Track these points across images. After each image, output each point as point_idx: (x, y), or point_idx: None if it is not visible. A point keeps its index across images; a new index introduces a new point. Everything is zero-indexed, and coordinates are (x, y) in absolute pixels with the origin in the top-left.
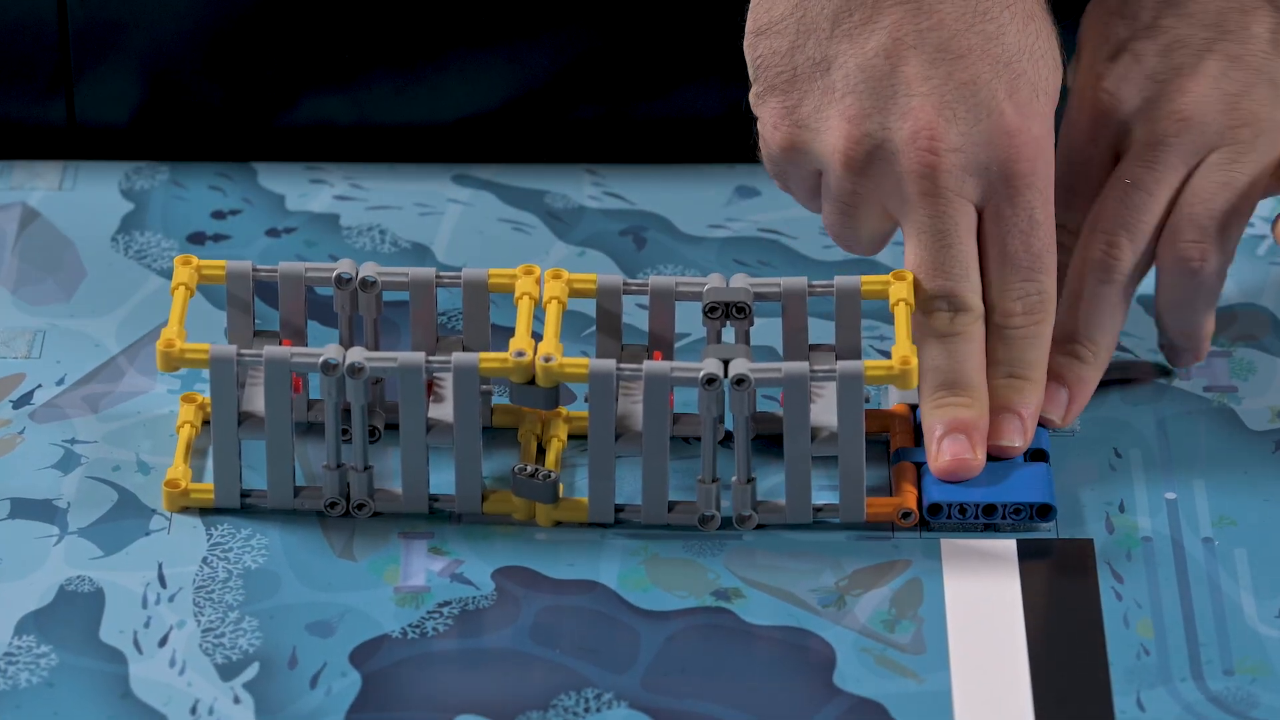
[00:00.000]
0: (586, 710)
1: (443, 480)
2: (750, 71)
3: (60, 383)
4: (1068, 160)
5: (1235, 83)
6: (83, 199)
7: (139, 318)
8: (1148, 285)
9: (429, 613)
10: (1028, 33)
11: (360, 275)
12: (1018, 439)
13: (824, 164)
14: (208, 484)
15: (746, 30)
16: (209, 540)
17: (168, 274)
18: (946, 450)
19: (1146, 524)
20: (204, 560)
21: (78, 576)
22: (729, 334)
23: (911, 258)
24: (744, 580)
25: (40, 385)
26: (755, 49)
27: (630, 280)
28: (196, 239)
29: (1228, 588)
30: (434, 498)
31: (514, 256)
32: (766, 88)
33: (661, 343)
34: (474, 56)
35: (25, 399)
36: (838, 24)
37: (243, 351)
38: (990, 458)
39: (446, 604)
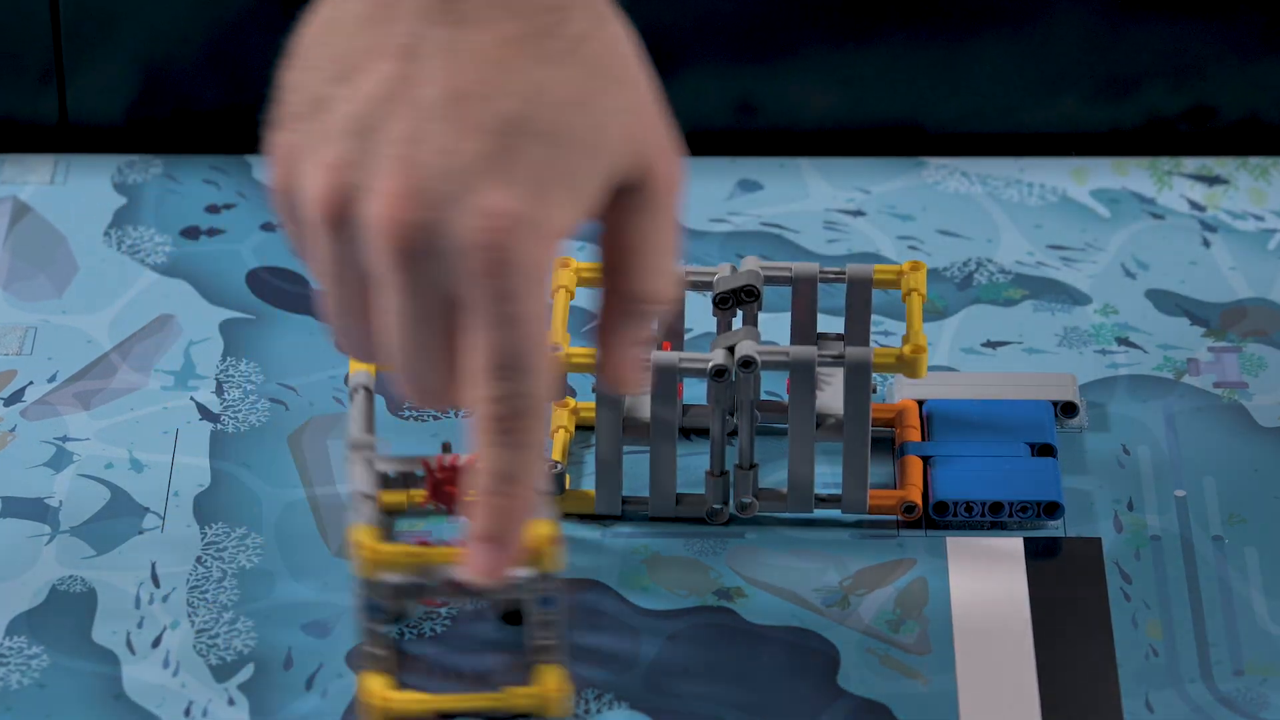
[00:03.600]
0: (587, 711)
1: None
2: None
3: (52, 380)
4: None
5: None
6: (75, 193)
7: (132, 314)
8: (1156, 280)
9: (426, 613)
10: (544, 100)
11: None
12: (489, 571)
13: (301, 205)
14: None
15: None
16: (203, 539)
17: (161, 269)
18: (486, 560)
19: (1155, 522)
20: (198, 560)
21: (69, 576)
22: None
23: (388, 340)
24: (746, 579)
25: (32, 382)
26: (287, 70)
27: None
28: (191, 233)
29: (1238, 587)
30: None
31: None
32: (283, 112)
33: (670, 332)
34: None
35: (16, 396)
36: (339, 63)
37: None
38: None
39: (445, 604)
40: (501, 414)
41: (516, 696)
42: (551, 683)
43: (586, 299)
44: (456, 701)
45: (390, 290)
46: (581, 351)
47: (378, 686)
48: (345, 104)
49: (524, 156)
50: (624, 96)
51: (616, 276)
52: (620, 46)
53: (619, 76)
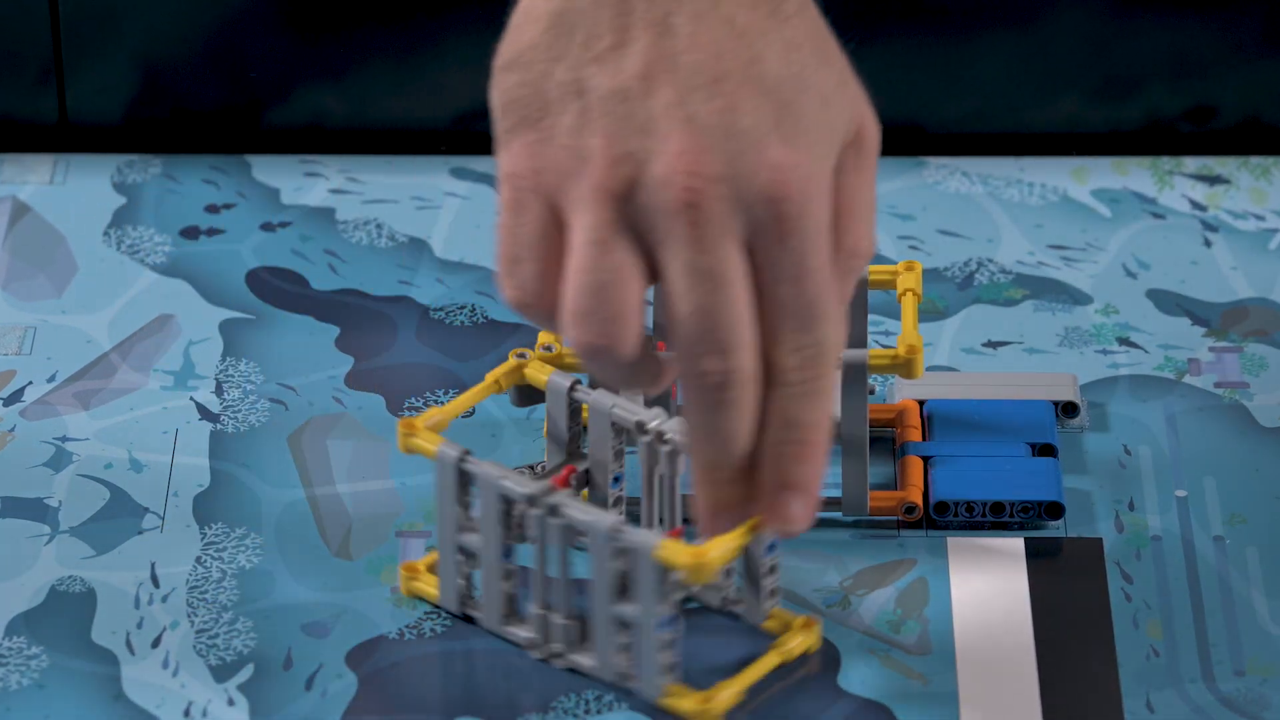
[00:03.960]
0: (586, 712)
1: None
2: (495, 115)
3: (51, 380)
4: None
5: None
6: (74, 193)
7: (131, 313)
8: (1157, 280)
9: (427, 613)
10: (791, 62)
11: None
12: (802, 519)
13: (576, 194)
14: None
15: (495, 69)
16: (202, 540)
17: (160, 269)
18: (712, 528)
19: (1156, 522)
20: (197, 560)
21: (69, 576)
22: None
23: (674, 304)
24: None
25: (31, 382)
26: (502, 85)
27: None
28: (190, 233)
29: (1239, 587)
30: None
31: None
32: (515, 124)
33: (666, 332)
34: (472, 48)
35: (16, 396)
36: (588, 48)
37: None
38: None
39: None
40: (804, 364)
41: (790, 646)
42: (797, 621)
43: None
44: (751, 674)
45: (681, 249)
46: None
47: (697, 695)
48: (606, 81)
49: (794, 113)
50: (839, 61)
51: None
52: (821, 20)
53: (830, 45)
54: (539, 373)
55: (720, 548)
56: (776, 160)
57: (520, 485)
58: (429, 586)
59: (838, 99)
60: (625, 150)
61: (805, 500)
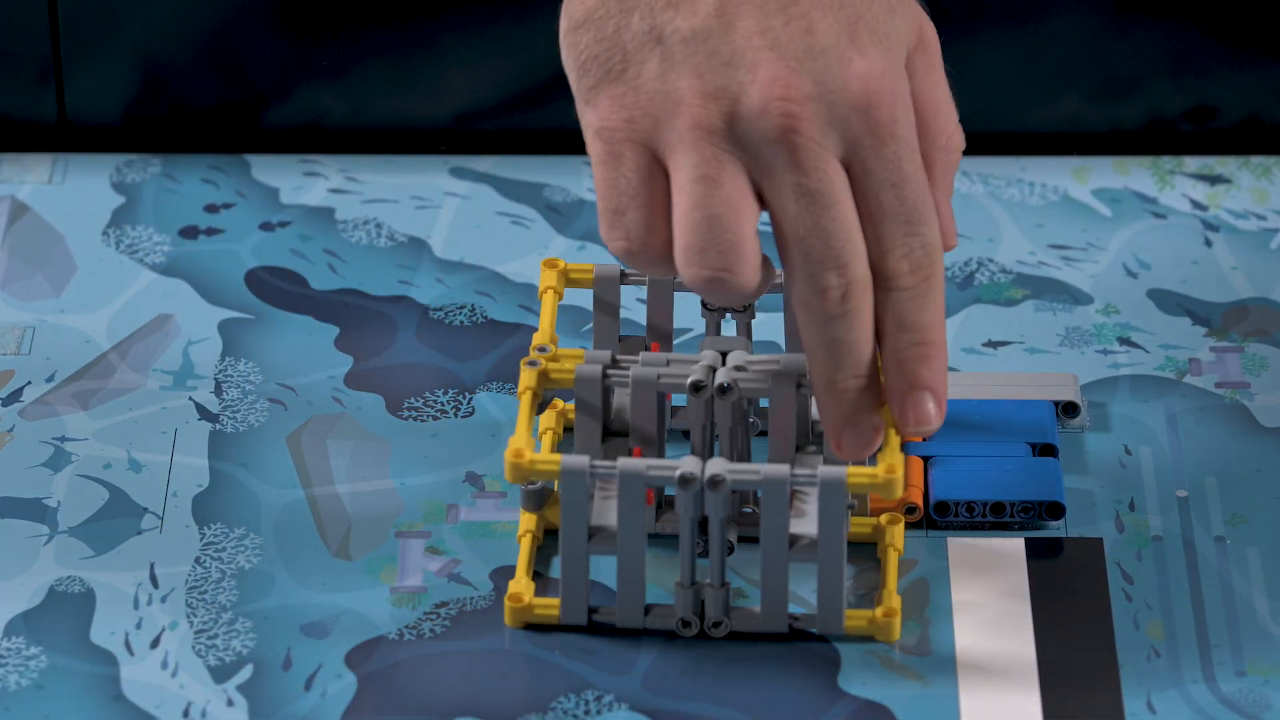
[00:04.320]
0: (586, 713)
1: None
2: (573, 76)
3: (50, 380)
4: None
5: None
6: (73, 192)
7: (130, 313)
8: (1158, 280)
9: (426, 614)
10: None
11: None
12: (935, 417)
13: (673, 136)
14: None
15: (561, 33)
16: (201, 540)
17: (159, 268)
18: (851, 443)
19: (1157, 522)
20: (197, 560)
21: (68, 577)
22: (729, 327)
23: (787, 229)
24: (747, 580)
25: (30, 382)
26: (576, 45)
27: (628, 270)
28: (189, 233)
29: (1240, 587)
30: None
31: (512, 251)
32: (599, 80)
33: (659, 334)
34: (472, 47)
35: (15, 396)
36: None
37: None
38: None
39: (444, 605)
40: (914, 267)
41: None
42: (883, 519)
43: (577, 299)
44: (891, 575)
45: (786, 175)
46: (572, 353)
47: (869, 614)
48: (684, 23)
49: (867, 24)
50: None
51: (920, 139)
52: None
53: None
54: (562, 370)
55: (898, 457)
56: (862, 71)
57: (668, 469)
58: (546, 609)
59: (899, 5)
60: (716, 86)
61: (936, 399)
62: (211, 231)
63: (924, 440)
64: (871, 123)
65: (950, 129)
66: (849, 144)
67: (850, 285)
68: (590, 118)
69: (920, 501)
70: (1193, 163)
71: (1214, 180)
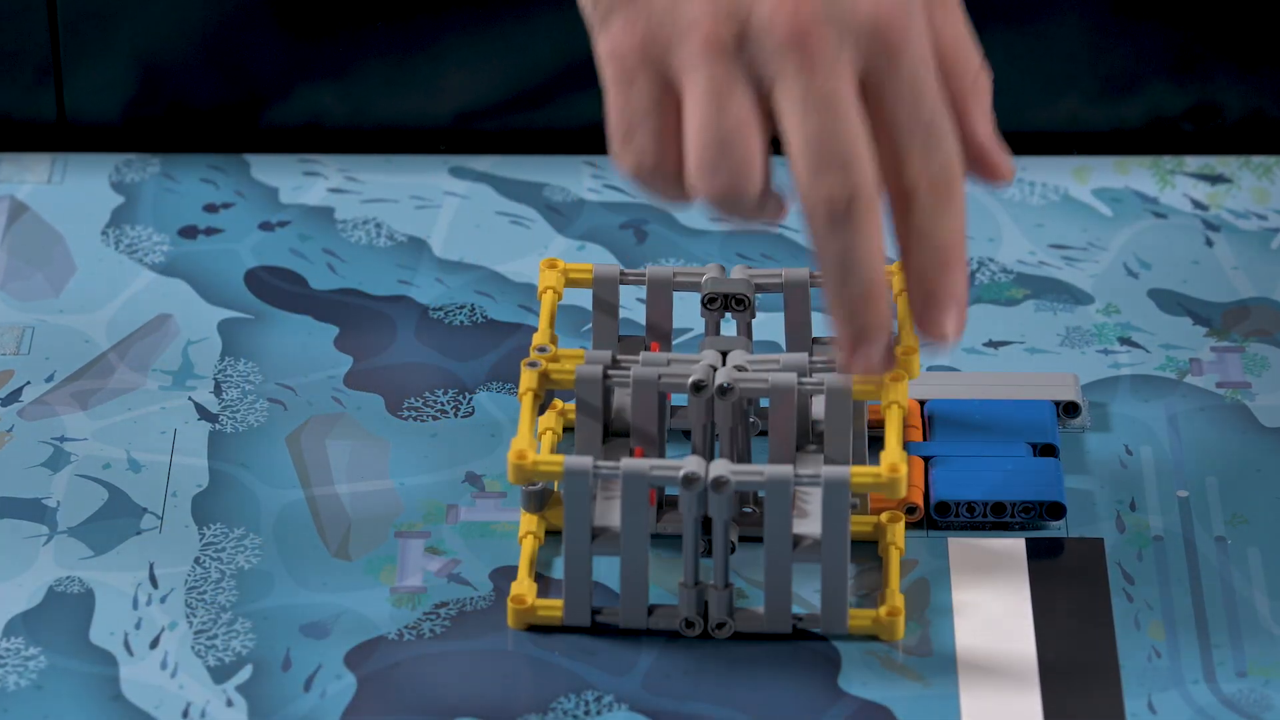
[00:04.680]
0: (586, 713)
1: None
2: (587, 6)
3: (49, 379)
4: None
5: None
6: (72, 192)
7: (130, 313)
8: (1159, 280)
9: (426, 614)
10: None
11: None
12: (955, 328)
13: (685, 56)
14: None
15: None
16: (201, 540)
17: (159, 268)
18: (859, 359)
19: (1158, 523)
20: (196, 560)
21: (67, 577)
22: (729, 326)
23: (793, 135)
24: (747, 581)
25: (29, 382)
26: None
27: (627, 270)
28: (189, 233)
29: (1240, 587)
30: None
31: (512, 250)
32: (611, 5)
33: (659, 334)
34: (471, 46)
35: (14, 396)
36: None
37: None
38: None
39: (444, 605)
40: (933, 183)
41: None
42: (883, 517)
43: (576, 299)
44: (894, 572)
45: (794, 82)
46: (572, 353)
47: (872, 613)
48: None
49: None
50: None
51: (947, 79)
52: None
53: None
54: (563, 370)
55: (901, 457)
56: None
57: (672, 470)
58: (548, 610)
59: None
60: (728, 6)
61: (956, 310)
62: (211, 231)
63: (944, 352)
64: (884, 43)
65: (972, 62)
66: (864, 67)
67: (854, 190)
68: (603, 43)
69: (921, 501)
70: (1193, 162)
71: (1215, 180)
